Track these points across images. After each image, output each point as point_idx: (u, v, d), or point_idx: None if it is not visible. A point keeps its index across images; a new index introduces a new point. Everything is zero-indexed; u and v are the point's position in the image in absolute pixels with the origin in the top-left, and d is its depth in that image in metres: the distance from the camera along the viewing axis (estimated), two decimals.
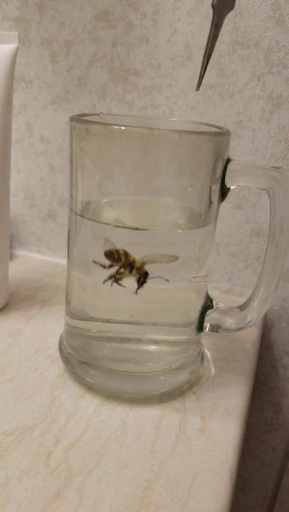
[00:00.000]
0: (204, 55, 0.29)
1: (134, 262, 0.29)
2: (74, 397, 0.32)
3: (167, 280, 0.30)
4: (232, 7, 0.28)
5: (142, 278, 0.30)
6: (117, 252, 0.29)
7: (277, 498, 0.56)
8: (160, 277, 0.30)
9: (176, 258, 0.30)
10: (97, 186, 0.30)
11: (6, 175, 0.39)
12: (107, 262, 0.30)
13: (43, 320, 0.41)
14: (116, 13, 0.43)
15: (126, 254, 0.29)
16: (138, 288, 0.30)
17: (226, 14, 0.28)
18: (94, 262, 0.30)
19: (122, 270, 0.30)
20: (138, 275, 0.30)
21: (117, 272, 0.30)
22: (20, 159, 0.52)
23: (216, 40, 0.28)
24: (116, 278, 0.30)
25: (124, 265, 0.29)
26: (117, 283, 0.30)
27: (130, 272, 0.29)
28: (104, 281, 0.30)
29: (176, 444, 0.28)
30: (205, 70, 0.29)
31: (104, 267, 0.30)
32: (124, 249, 0.29)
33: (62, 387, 0.32)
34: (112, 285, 0.30)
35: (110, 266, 0.30)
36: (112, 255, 0.30)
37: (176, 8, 0.42)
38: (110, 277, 0.30)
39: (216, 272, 0.48)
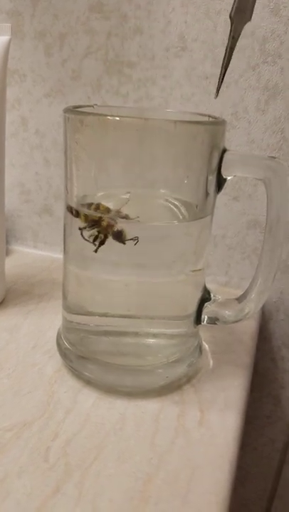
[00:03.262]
0: (222, 66, 0.30)
1: (99, 219, 0.29)
2: (72, 392, 0.31)
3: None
4: (250, 18, 0.28)
5: (103, 237, 0.29)
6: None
7: (277, 490, 0.56)
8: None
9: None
10: (93, 179, 0.30)
11: (1, 170, 0.39)
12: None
13: (40, 315, 0.40)
14: (110, 5, 0.43)
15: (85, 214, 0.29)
16: (97, 247, 0.29)
17: (243, 25, 0.28)
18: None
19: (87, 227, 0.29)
20: (97, 233, 0.29)
21: (85, 227, 0.29)
22: (15, 153, 0.52)
23: (232, 51, 0.29)
24: (81, 231, 0.30)
25: (88, 222, 0.29)
26: (83, 237, 0.29)
27: (92, 229, 0.29)
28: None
29: (175, 437, 0.28)
30: (222, 80, 0.30)
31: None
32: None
33: (60, 382, 0.32)
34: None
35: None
36: (71, 210, 0.30)
37: None
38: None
39: (213, 265, 0.48)
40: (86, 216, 0.29)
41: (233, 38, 0.28)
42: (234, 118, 0.43)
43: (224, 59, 0.30)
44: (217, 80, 0.42)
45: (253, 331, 0.41)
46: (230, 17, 0.28)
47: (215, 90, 0.42)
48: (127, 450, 0.27)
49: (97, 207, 0.29)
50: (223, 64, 0.30)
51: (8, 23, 0.35)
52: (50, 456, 0.26)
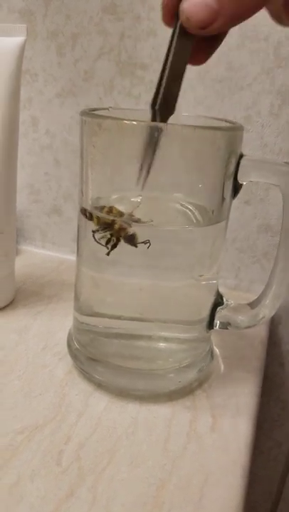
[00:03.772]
0: (146, 162, 0.27)
1: (112, 222, 0.28)
2: (83, 395, 0.31)
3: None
4: (173, 111, 0.26)
5: (115, 240, 0.28)
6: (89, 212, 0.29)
7: (283, 493, 0.56)
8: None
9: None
10: (108, 182, 0.30)
11: (13, 170, 0.38)
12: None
13: (50, 316, 0.40)
14: (123, 6, 0.43)
15: (98, 217, 0.29)
16: (109, 250, 0.29)
17: (167, 119, 0.27)
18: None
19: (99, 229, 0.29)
20: (110, 236, 0.29)
21: (97, 230, 0.29)
22: (25, 154, 0.52)
23: (156, 147, 0.26)
24: (94, 234, 0.29)
25: (101, 225, 0.29)
26: (95, 239, 0.29)
27: (105, 231, 0.29)
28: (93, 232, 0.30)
29: (187, 442, 0.28)
30: (147, 177, 0.27)
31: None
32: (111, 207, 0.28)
33: (71, 384, 0.32)
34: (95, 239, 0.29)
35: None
36: (85, 213, 0.29)
37: None
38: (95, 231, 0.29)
39: (223, 268, 0.48)
40: (99, 219, 0.29)
41: (158, 131, 0.26)
42: (247, 122, 0.42)
43: (145, 156, 0.27)
44: (229, 84, 0.42)
45: (264, 335, 0.41)
46: (152, 108, 0.26)
47: (227, 95, 0.42)
48: (140, 455, 0.27)
49: (110, 210, 0.29)
50: (147, 161, 0.27)
51: (24, 24, 0.35)
52: (63, 460, 0.26)
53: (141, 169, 0.27)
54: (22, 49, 0.35)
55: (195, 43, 0.25)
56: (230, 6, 0.22)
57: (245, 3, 0.22)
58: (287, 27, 0.27)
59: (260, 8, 0.23)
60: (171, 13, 0.24)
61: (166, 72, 0.25)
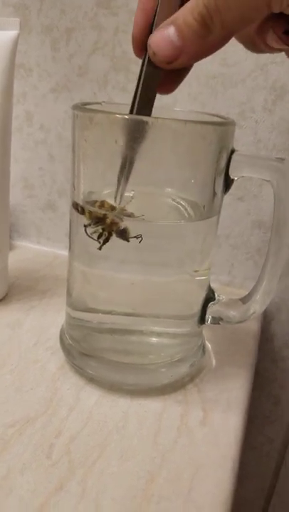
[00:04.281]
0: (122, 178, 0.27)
1: (104, 217, 0.28)
2: (75, 389, 0.31)
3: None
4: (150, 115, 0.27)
5: (107, 234, 0.29)
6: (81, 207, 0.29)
7: (275, 489, 0.56)
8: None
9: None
10: (100, 176, 0.30)
11: (6, 165, 0.38)
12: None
13: (43, 311, 0.40)
14: (118, 0, 0.43)
15: (90, 211, 0.29)
16: (101, 245, 0.29)
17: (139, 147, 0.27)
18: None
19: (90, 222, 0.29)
20: (101, 230, 0.29)
21: (89, 224, 0.29)
22: (19, 148, 0.51)
23: (134, 158, 0.27)
24: (85, 228, 0.29)
25: (93, 219, 0.29)
26: (87, 233, 0.29)
27: (97, 226, 0.29)
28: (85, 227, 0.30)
29: (178, 436, 0.28)
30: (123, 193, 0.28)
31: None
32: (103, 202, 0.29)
33: (63, 379, 0.32)
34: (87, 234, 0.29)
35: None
36: (76, 207, 0.30)
37: None
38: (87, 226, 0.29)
39: (216, 264, 0.48)
40: (91, 213, 0.29)
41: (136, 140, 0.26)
42: (241, 117, 0.42)
43: (123, 171, 0.27)
44: (223, 80, 0.42)
45: (256, 330, 0.41)
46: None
47: (221, 91, 0.42)
48: (130, 449, 0.27)
49: (102, 204, 0.29)
50: (123, 176, 0.27)
51: (17, 18, 0.35)
52: (53, 454, 0.26)
53: (122, 169, 0.27)
54: (15, 43, 0.35)
55: (163, 73, 0.25)
56: (192, 44, 0.23)
57: (207, 42, 0.22)
58: (261, 53, 0.28)
59: (224, 44, 0.23)
60: (140, 46, 0.25)
61: (137, 98, 0.26)
